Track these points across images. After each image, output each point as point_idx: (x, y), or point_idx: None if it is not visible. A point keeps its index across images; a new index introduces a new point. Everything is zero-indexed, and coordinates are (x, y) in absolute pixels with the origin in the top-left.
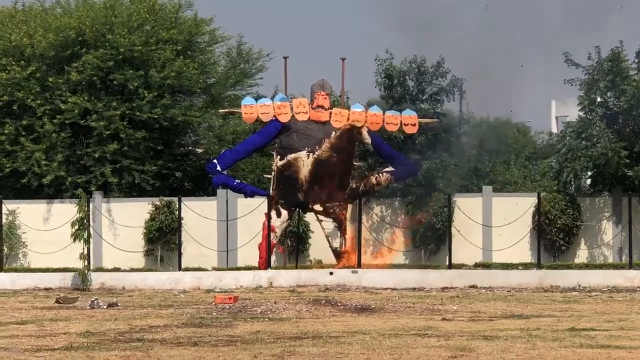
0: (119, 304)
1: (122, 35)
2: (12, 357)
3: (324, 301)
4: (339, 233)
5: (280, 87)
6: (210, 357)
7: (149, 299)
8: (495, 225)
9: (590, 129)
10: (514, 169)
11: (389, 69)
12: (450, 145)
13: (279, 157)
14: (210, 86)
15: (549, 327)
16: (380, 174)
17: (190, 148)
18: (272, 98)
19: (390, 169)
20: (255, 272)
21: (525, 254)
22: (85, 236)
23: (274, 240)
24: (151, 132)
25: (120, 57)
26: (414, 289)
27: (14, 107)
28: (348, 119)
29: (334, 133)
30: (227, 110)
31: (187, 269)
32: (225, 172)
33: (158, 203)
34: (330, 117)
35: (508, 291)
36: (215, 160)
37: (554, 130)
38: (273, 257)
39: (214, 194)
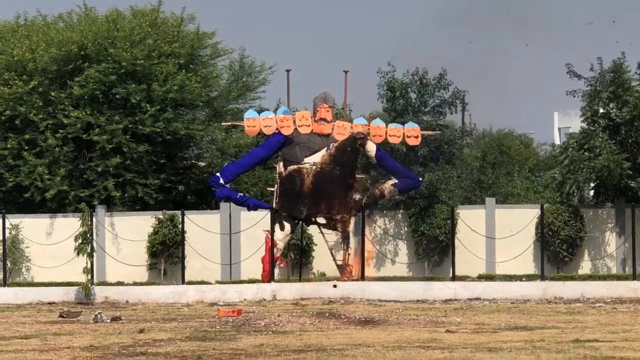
0: (123, 318)
1: (124, 49)
2: None
3: (327, 314)
4: (342, 245)
5: (283, 100)
6: None
7: (153, 312)
8: (499, 237)
9: (593, 140)
10: (517, 180)
11: (392, 81)
12: (452, 157)
13: (281, 169)
14: (212, 99)
15: (553, 338)
16: (384, 187)
17: (193, 161)
18: (275, 111)
19: (393, 181)
20: (259, 285)
21: (528, 265)
22: (88, 250)
23: (276, 254)
24: (154, 145)
25: (122, 71)
26: (417, 301)
27: (17, 122)
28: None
29: (334, 144)
30: (229, 123)
31: (190, 283)
32: (228, 186)
33: (161, 217)
34: (332, 129)
35: (512, 303)
36: (218, 174)
37: (557, 141)
38: (276, 270)
39: (217, 207)
